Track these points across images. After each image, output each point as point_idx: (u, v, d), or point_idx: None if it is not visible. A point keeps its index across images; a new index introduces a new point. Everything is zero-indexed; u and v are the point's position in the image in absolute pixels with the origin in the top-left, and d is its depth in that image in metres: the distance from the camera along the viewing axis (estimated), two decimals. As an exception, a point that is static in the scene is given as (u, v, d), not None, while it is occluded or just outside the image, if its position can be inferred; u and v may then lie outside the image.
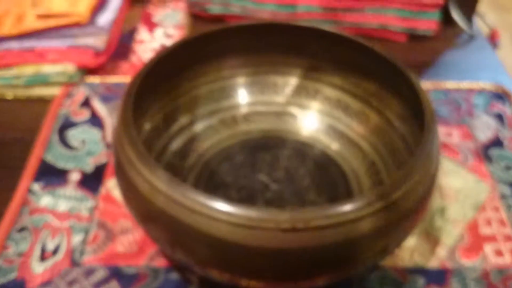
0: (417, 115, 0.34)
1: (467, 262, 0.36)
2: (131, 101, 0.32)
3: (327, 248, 0.27)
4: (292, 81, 0.45)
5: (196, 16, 0.60)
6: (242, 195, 0.39)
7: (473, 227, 0.38)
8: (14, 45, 0.48)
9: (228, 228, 0.26)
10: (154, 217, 0.29)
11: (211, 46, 0.41)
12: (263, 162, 0.42)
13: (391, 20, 0.55)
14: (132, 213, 0.31)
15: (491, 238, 0.37)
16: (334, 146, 0.42)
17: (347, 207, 0.27)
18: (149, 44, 0.56)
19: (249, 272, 0.28)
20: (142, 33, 0.57)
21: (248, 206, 0.26)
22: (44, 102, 0.48)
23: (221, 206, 0.26)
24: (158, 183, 0.28)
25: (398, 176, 0.29)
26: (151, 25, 0.59)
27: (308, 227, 0.26)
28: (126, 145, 0.30)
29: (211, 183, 0.40)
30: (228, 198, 0.39)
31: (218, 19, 0.59)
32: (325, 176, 0.40)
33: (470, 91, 0.49)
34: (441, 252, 0.36)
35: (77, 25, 0.48)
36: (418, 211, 0.30)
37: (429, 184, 0.31)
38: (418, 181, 0.29)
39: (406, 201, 0.29)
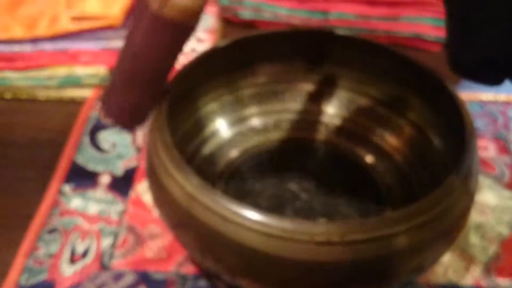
0: (455, 129, 0.33)
1: (503, 281, 0.34)
2: (166, 106, 0.32)
3: (361, 263, 0.26)
4: (325, 90, 0.44)
5: (228, 21, 0.60)
6: (271, 204, 0.39)
7: (509, 244, 0.37)
8: (48, 46, 0.48)
9: (260, 238, 0.26)
10: (185, 223, 0.28)
11: (245, 52, 0.40)
12: (292, 171, 0.41)
13: (426, 29, 0.54)
14: (163, 217, 0.31)
15: (528, 257, 0.36)
16: (366, 157, 0.41)
17: (384, 221, 0.26)
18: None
19: (279, 283, 0.28)
20: None
21: (281, 217, 0.26)
22: (76, 103, 0.48)
23: (254, 215, 0.26)
24: (191, 189, 0.27)
25: (437, 193, 0.28)
26: (182, 29, 0.59)
27: (343, 241, 0.25)
28: (160, 149, 0.30)
29: (240, 191, 0.39)
30: (257, 206, 0.38)
31: (250, 24, 0.59)
32: (356, 188, 0.40)
33: (507, 103, 0.48)
34: (476, 270, 0.35)
35: (110, 27, 0.48)
36: (455, 230, 0.30)
37: (467, 202, 0.30)
38: (456, 199, 0.28)
39: (443, 219, 0.28)
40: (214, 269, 0.30)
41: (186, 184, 0.28)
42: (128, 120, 0.33)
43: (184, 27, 0.29)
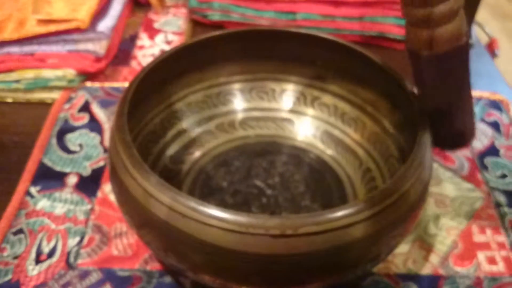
0: (411, 122, 0.34)
1: (460, 269, 0.36)
2: (126, 106, 0.32)
3: (317, 255, 0.27)
4: (289, 88, 0.45)
5: (197, 23, 0.60)
6: (237, 200, 0.39)
7: (467, 234, 0.38)
8: (15, 49, 0.49)
9: (218, 233, 0.27)
10: (145, 221, 0.29)
11: (208, 52, 0.41)
12: (259, 168, 0.42)
13: (390, 28, 0.56)
14: (125, 217, 0.31)
15: (485, 246, 0.37)
16: (330, 152, 0.42)
17: (337, 213, 0.27)
18: (150, 49, 0.56)
19: (239, 277, 0.29)
20: (143, 39, 0.58)
21: (237, 212, 0.26)
22: (44, 106, 0.48)
23: (211, 211, 0.26)
24: (149, 187, 0.28)
25: (389, 184, 0.29)
26: (152, 31, 0.59)
27: (298, 233, 0.26)
28: (120, 150, 0.30)
29: (207, 188, 0.40)
30: (223, 203, 0.39)
31: (218, 25, 0.59)
32: (320, 182, 0.41)
33: (468, 99, 0.49)
34: (435, 259, 0.36)
35: (77, 30, 0.48)
36: (410, 219, 0.31)
37: (421, 191, 0.31)
38: (409, 189, 0.29)
39: (397, 209, 0.29)
40: (176, 266, 0.30)
41: (144, 183, 0.28)
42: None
43: (460, 49, 0.29)
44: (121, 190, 0.30)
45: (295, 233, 0.26)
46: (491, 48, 0.58)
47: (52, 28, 0.48)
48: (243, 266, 0.28)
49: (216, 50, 0.41)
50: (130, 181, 0.29)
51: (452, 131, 0.34)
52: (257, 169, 0.42)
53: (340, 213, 0.27)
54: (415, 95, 0.34)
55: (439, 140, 0.34)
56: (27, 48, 0.49)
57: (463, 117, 0.33)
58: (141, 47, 0.56)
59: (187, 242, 0.27)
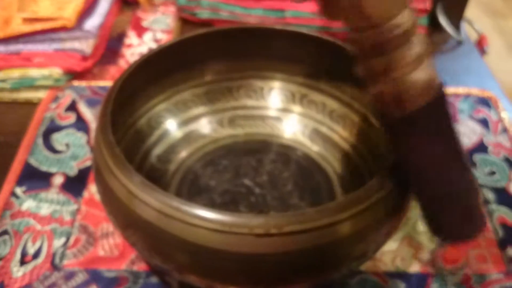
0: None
1: (449, 266, 0.35)
2: (110, 106, 0.32)
3: (302, 254, 0.27)
4: (277, 86, 0.45)
5: (185, 21, 0.60)
6: (226, 200, 0.39)
7: (455, 232, 0.38)
8: (0, 48, 0.48)
9: (202, 233, 0.26)
10: (130, 223, 0.29)
11: (195, 50, 0.41)
12: (247, 166, 0.42)
13: (379, 25, 0.55)
14: (110, 218, 0.31)
15: (474, 243, 0.37)
16: (318, 149, 0.42)
17: (322, 212, 0.27)
18: (138, 48, 0.56)
19: (224, 277, 0.28)
20: (131, 37, 0.57)
21: (221, 211, 0.26)
22: (30, 105, 0.48)
23: (195, 211, 0.26)
24: (133, 188, 0.27)
25: (375, 180, 0.29)
26: (140, 30, 0.59)
27: (282, 232, 0.26)
28: (104, 150, 0.30)
29: (195, 187, 0.40)
30: (211, 203, 0.39)
31: (207, 23, 0.59)
32: (309, 180, 0.40)
33: (456, 96, 0.49)
34: (423, 256, 0.36)
35: (63, 29, 0.48)
36: (397, 217, 0.30)
37: (408, 188, 0.31)
38: (395, 186, 0.29)
39: (383, 206, 0.29)
40: (161, 266, 0.30)
41: (127, 183, 0.28)
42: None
43: (439, 100, 0.24)
44: (105, 190, 0.30)
45: (279, 232, 0.26)
46: (480, 45, 0.58)
47: (38, 26, 0.47)
48: (228, 266, 0.27)
49: (203, 48, 0.41)
50: (114, 181, 0.29)
51: (452, 218, 0.27)
52: (245, 168, 0.41)
53: (325, 212, 0.27)
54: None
55: (438, 229, 0.28)
56: (13, 47, 0.48)
57: (466, 196, 0.27)
58: (129, 46, 0.56)
59: (171, 242, 0.27)
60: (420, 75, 0.23)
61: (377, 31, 0.23)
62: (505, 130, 0.46)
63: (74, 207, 0.39)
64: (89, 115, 0.47)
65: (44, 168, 0.42)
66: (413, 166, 0.26)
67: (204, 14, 0.58)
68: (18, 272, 0.34)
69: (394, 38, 0.22)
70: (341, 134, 0.42)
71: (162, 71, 0.40)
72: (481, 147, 0.44)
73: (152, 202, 0.27)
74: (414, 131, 0.25)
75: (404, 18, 0.23)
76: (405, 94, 0.23)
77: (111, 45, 0.55)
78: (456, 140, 0.26)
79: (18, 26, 0.48)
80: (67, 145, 0.44)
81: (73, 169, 0.42)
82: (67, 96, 0.48)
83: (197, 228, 0.26)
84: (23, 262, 0.35)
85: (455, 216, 0.27)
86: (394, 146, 0.27)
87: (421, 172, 0.26)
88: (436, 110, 0.25)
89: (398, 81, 0.23)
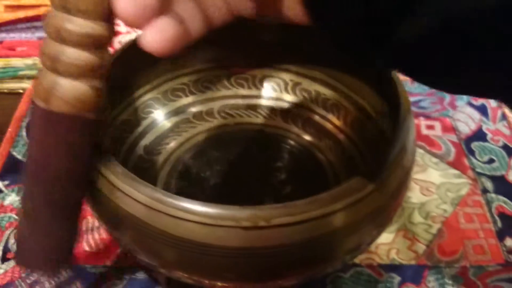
0: (394, 108, 0.33)
1: (445, 258, 0.34)
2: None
3: (293, 247, 0.26)
4: (269, 74, 0.43)
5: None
6: (216, 191, 0.38)
7: (453, 222, 0.37)
8: (-17, 38, 0.47)
9: (187, 226, 0.25)
10: (112, 216, 0.27)
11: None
12: (238, 157, 0.40)
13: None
14: (93, 211, 0.30)
15: (471, 234, 0.36)
16: (312, 139, 0.41)
17: (313, 203, 0.25)
18: (126, 36, 0.54)
19: (211, 273, 0.27)
20: (119, 25, 0.56)
21: (207, 203, 0.25)
22: (13, 96, 0.46)
23: (179, 203, 0.25)
24: (114, 180, 0.26)
25: (369, 170, 0.27)
26: (129, 17, 0.57)
27: (271, 225, 0.25)
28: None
29: (184, 179, 0.38)
30: (202, 195, 0.38)
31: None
32: (302, 170, 0.39)
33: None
34: (419, 248, 0.35)
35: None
36: (391, 207, 0.29)
37: (402, 178, 0.30)
38: (390, 175, 0.28)
39: (377, 196, 0.27)
40: (148, 262, 0.29)
41: (108, 174, 0.26)
42: (45, 264, 0.27)
43: (83, 121, 0.23)
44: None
45: (268, 225, 0.25)
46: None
47: (21, 14, 0.46)
48: (216, 260, 0.26)
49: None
50: (95, 173, 0.27)
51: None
52: (236, 158, 0.40)
53: (316, 203, 0.25)
54: (399, 80, 0.33)
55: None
56: (-5, 36, 0.47)
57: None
58: (117, 33, 0.54)
59: (154, 236, 0.26)
60: (80, 86, 0.22)
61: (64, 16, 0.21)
62: (504, 117, 0.44)
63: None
64: (75, 105, 0.45)
65: (27, 160, 0.40)
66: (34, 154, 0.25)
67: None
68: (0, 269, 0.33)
69: (75, 33, 0.21)
70: (335, 123, 0.41)
71: (148, 59, 0.38)
72: (480, 135, 0.43)
73: (135, 194, 0.25)
74: (48, 129, 0.24)
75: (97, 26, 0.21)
76: (55, 93, 0.22)
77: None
78: (78, 179, 0.26)
79: (0, 14, 0.46)
80: (52, 137, 0.42)
81: (58, 162, 0.40)
82: (53, 87, 0.47)
83: (182, 222, 0.25)
84: (4, 259, 0.34)
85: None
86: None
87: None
88: (76, 130, 0.24)
89: (59, 77, 0.22)
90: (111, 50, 0.24)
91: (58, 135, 0.24)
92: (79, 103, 0.23)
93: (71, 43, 0.21)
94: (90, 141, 0.25)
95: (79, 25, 0.21)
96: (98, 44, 0.22)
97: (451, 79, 0.18)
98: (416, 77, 0.20)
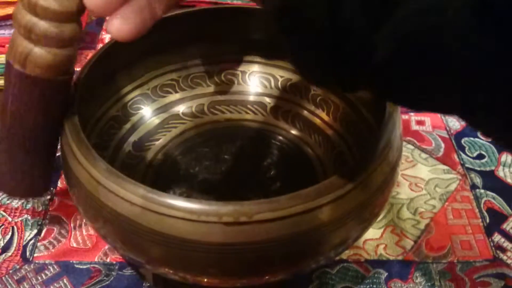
0: (383, 103, 0.33)
1: (433, 254, 0.34)
2: (78, 89, 0.31)
3: (275, 243, 0.26)
4: (259, 70, 0.43)
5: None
6: (205, 188, 0.38)
7: (441, 218, 0.37)
8: (-27, 34, 0.46)
9: (169, 222, 0.25)
10: (96, 212, 0.27)
11: (171, 32, 0.39)
12: (228, 153, 0.40)
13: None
14: (78, 208, 0.30)
15: (459, 229, 0.36)
16: (301, 134, 0.41)
17: (295, 198, 0.25)
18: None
19: (196, 268, 0.27)
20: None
21: (189, 199, 0.25)
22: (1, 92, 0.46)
23: (161, 198, 0.25)
24: (97, 175, 0.26)
25: (354, 165, 0.27)
26: (121, 14, 0.57)
27: (253, 221, 0.25)
28: (69, 135, 0.28)
29: (173, 175, 0.38)
30: (190, 191, 0.38)
31: (191, 6, 0.57)
32: (291, 166, 0.39)
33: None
34: (407, 244, 0.35)
35: (37, 13, 0.46)
36: (377, 202, 0.29)
37: (388, 173, 0.30)
38: (376, 170, 0.28)
39: (362, 191, 0.27)
40: (133, 258, 0.29)
41: (92, 169, 0.26)
42: (19, 189, 0.30)
43: (55, 83, 0.26)
44: (71, 178, 0.29)
45: (249, 220, 0.24)
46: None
47: (10, 10, 0.45)
48: (199, 256, 0.26)
49: (179, 31, 0.39)
50: (79, 169, 0.27)
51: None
52: (226, 155, 0.40)
53: (299, 198, 0.25)
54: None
55: None
56: (-15, 33, 0.46)
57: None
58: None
59: (139, 232, 0.26)
60: (52, 53, 0.25)
61: None
62: (494, 112, 0.44)
63: (46, 197, 0.37)
64: (65, 102, 0.45)
65: (16, 157, 0.40)
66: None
67: (186, -4, 0.56)
68: (-14, 265, 0.33)
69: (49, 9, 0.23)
70: (324, 119, 0.41)
71: (135, 55, 0.39)
72: (469, 130, 0.43)
73: (117, 190, 0.25)
74: (25, 89, 0.26)
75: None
76: (31, 59, 0.25)
77: (89, 29, 0.54)
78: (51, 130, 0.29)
79: (-10, 11, 0.46)
80: (41, 134, 0.42)
81: (47, 158, 0.40)
82: (43, 83, 0.47)
83: (166, 218, 0.25)
84: (-9, 255, 0.34)
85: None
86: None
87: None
88: (45, 88, 0.26)
89: (34, 46, 0.24)
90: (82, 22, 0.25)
91: (34, 94, 0.26)
92: (52, 68, 0.25)
93: (44, 17, 0.24)
94: (63, 99, 0.28)
95: (52, 2, 0.23)
96: (70, 18, 0.24)
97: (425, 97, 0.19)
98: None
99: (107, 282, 0.32)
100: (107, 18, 0.23)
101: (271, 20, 0.22)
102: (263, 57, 0.42)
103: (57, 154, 0.30)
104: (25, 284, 0.32)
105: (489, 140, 0.42)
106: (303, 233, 0.26)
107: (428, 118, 0.44)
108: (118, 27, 0.23)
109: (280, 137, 0.41)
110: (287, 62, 0.42)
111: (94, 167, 0.26)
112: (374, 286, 0.32)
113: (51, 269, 0.33)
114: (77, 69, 0.47)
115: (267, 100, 0.43)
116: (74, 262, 0.33)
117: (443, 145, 0.42)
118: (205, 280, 0.28)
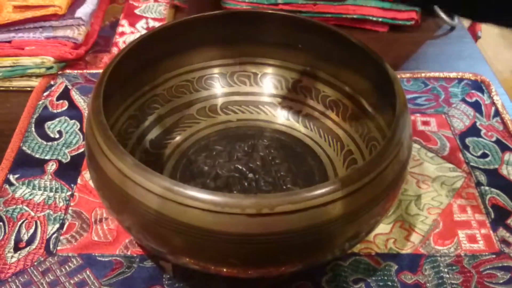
0: (391, 103, 0.34)
1: (441, 248, 0.36)
2: (102, 88, 0.32)
3: (294, 234, 0.27)
4: (270, 71, 0.45)
5: (178, 8, 0.60)
6: (219, 184, 0.39)
7: (448, 214, 0.38)
8: (-8, 37, 0.48)
9: (194, 213, 0.26)
10: (123, 205, 0.29)
11: (187, 35, 0.40)
12: (240, 151, 0.42)
13: (372, 11, 0.55)
14: (104, 202, 0.31)
15: (465, 224, 0.37)
16: (311, 135, 0.42)
17: (314, 192, 0.27)
18: (131, 36, 0.56)
19: (217, 258, 0.28)
20: (124, 25, 0.57)
21: (214, 192, 0.26)
22: (23, 93, 0.48)
23: (187, 191, 0.26)
24: (125, 169, 0.27)
25: (367, 162, 0.29)
26: (133, 17, 0.58)
27: (274, 212, 0.26)
28: (96, 132, 0.30)
29: (188, 172, 0.40)
30: (205, 187, 0.39)
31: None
32: (302, 165, 0.40)
33: (449, 80, 0.49)
34: (416, 238, 0.36)
35: (55, 16, 0.48)
36: (388, 198, 0.31)
37: (399, 170, 0.31)
38: (387, 167, 0.29)
39: (375, 187, 0.29)
40: (156, 249, 0.30)
41: (120, 164, 0.28)
42: None
43: None
44: (98, 173, 0.30)
45: (271, 212, 0.26)
46: (473, 30, 0.58)
47: (29, 14, 0.47)
48: (221, 246, 0.27)
49: (194, 34, 0.41)
50: (107, 164, 0.29)
51: None
52: (238, 153, 0.42)
53: (317, 192, 0.27)
54: (397, 77, 0.34)
55: None
56: (4, 36, 0.48)
57: None
58: (122, 34, 0.56)
59: (164, 223, 0.27)
60: None
61: None
62: (497, 113, 0.46)
63: (67, 193, 0.39)
64: (82, 102, 0.47)
65: (37, 155, 0.42)
66: None
67: (196, 1, 0.58)
68: (12, 258, 0.34)
69: None
70: (334, 119, 0.42)
71: (153, 56, 0.40)
72: (473, 130, 0.44)
73: (145, 183, 0.27)
74: None
75: None
76: None
77: (104, 33, 0.55)
78: None
79: (9, 14, 0.47)
80: (60, 133, 0.44)
81: (66, 156, 0.42)
82: (60, 84, 0.48)
83: (190, 209, 0.26)
84: (17, 248, 0.35)
85: None
86: None
87: None
88: None
89: None
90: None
91: None
92: None
93: None
94: None
95: None
96: None
97: None
98: None
99: (129, 274, 0.34)
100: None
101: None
102: (275, 59, 0.44)
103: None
104: (49, 275, 0.33)
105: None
106: (320, 225, 0.27)
107: (433, 119, 0.45)
108: None
109: (291, 137, 0.42)
110: (298, 65, 0.43)
111: (122, 161, 0.28)
112: (386, 278, 0.34)
113: (74, 262, 0.34)
114: (93, 71, 0.49)
115: (278, 101, 0.44)
116: (96, 254, 0.35)
117: (448, 144, 0.43)
118: (225, 270, 0.30)
